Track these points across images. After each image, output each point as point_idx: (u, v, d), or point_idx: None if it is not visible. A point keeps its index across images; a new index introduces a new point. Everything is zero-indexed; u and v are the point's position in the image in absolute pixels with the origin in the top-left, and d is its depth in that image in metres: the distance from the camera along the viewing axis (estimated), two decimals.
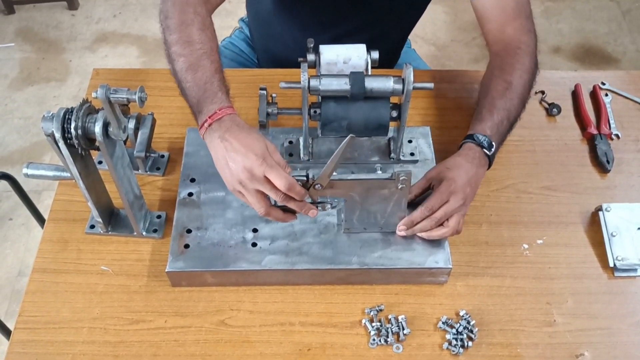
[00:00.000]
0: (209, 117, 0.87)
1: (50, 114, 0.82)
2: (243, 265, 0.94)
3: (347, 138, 0.80)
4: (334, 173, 0.86)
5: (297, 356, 0.90)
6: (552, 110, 1.19)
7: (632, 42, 2.58)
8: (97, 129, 0.81)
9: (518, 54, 1.05)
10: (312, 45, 0.98)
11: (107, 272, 0.97)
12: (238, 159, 0.83)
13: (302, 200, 0.87)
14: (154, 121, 1.05)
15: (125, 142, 0.91)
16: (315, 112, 0.98)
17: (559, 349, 0.91)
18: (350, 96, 0.94)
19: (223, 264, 0.93)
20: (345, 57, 0.97)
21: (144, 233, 1.01)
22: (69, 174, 0.91)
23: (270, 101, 0.99)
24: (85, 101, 0.84)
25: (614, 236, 1.00)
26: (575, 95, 1.22)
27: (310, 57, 0.98)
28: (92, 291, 0.96)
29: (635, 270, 0.99)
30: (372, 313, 0.93)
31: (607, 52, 2.56)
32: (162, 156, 1.10)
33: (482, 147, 0.97)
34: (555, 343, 0.92)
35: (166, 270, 0.93)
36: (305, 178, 0.85)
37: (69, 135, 0.82)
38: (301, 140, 1.05)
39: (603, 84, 1.24)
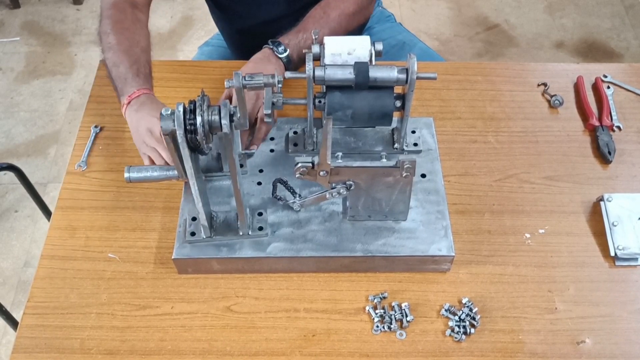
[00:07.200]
0: (129, 96, 1.02)
1: (168, 112, 0.78)
2: (248, 252, 0.95)
3: (327, 120, 0.83)
4: (339, 160, 0.87)
5: (302, 341, 0.91)
6: (554, 101, 1.20)
7: (635, 38, 2.59)
8: (224, 120, 0.78)
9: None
10: (316, 36, 0.99)
11: (115, 259, 0.99)
12: (143, 122, 0.98)
13: None
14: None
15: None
16: (320, 101, 0.99)
17: (560, 335, 0.92)
18: (354, 86, 0.95)
19: (229, 251, 0.95)
20: (349, 48, 0.98)
21: (250, 233, 0.95)
22: (176, 173, 0.91)
23: (276, 91, 1.00)
24: (204, 94, 0.81)
25: (615, 226, 1.01)
26: (578, 87, 1.23)
27: (315, 48, 0.99)
28: (99, 277, 0.97)
29: (636, 259, 0.99)
30: (375, 300, 0.94)
31: (610, 47, 2.56)
32: None
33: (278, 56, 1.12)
34: (557, 330, 0.93)
35: (172, 258, 0.94)
36: (311, 165, 0.86)
37: (191, 132, 0.79)
38: (306, 130, 1.06)
39: (605, 76, 1.24)
